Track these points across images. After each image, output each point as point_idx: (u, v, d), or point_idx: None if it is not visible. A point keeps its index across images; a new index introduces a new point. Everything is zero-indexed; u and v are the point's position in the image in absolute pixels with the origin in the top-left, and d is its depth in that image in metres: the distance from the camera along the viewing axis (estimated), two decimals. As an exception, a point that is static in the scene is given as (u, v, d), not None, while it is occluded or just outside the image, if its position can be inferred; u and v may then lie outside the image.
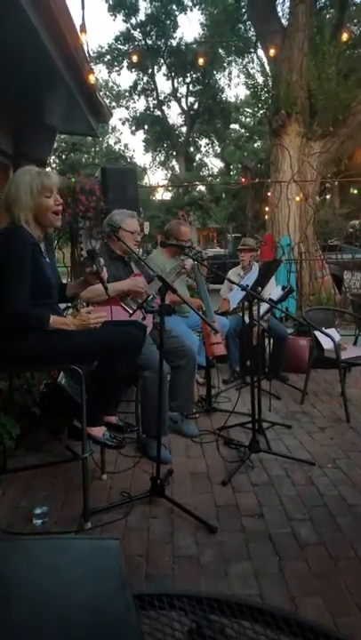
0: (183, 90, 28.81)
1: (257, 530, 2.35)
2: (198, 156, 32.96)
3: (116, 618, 0.61)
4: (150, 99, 29.08)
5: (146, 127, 30.26)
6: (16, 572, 0.62)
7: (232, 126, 30.11)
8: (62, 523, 2.42)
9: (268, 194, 9.07)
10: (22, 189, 2.28)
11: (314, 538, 2.27)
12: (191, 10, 24.71)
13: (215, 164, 33.39)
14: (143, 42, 25.26)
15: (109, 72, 26.89)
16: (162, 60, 26.60)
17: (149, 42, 25.28)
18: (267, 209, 9.26)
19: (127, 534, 2.32)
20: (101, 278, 2.48)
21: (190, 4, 24.31)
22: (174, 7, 24.42)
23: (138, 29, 25.00)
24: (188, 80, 27.95)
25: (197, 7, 24.04)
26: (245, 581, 1.98)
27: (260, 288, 3.27)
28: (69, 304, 4.44)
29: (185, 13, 24.95)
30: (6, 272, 2.22)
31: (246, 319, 4.00)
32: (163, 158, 33.09)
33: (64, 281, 2.83)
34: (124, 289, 3.14)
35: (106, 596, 0.62)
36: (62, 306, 3.69)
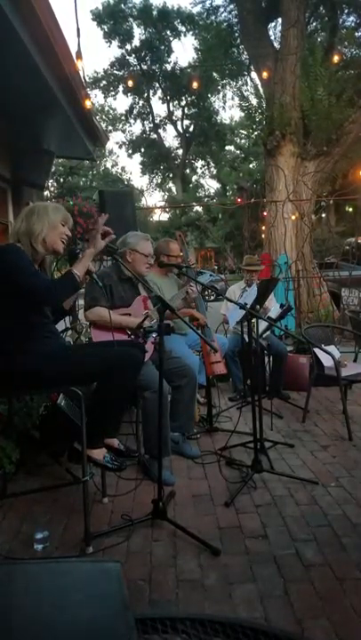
0: (178, 113, 29.31)
1: (261, 551, 2.32)
2: (195, 178, 33.41)
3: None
4: (146, 122, 29.57)
5: (142, 150, 30.68)
6: (15, 595, 0.62)
7: (227, 148, 30.55)
8: (63, 547, 2.39)
9: (265, 213, 9.13)
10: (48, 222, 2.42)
11: (319, 558, 2.24)
12: (185, 35, 25.31)
13: (211, 185, 33.81)
14: (138, 67, 25.76)
15: (105, 96, 27.43)
16: (157, 84, 27.11)
17: (144, 67, 25.79)
18: (263, 228, 9.31)
19: (129, 558, 2.29)
20: (89, 270, 2.46)
21: (184, 29, 24.87)
22: (168, 33, 24.97)
23: (133, 55, 25.54)
24: (183, 103, 28.43)
25: (191, 32, 24.57)
26: (250, 604, 1.95)
27: (258, 306, 3.28)
28: (69, 326, 4.47)
29: (179, 39, 25.56)
30: (18, 276, 2.27)
31: (246, 337, 4.00)
32: (160, 180, 33.51)
33: None
34: (125, 325, 3.15)
35: (107, 619, 0.61)
36: (61, 327, 3.70)
